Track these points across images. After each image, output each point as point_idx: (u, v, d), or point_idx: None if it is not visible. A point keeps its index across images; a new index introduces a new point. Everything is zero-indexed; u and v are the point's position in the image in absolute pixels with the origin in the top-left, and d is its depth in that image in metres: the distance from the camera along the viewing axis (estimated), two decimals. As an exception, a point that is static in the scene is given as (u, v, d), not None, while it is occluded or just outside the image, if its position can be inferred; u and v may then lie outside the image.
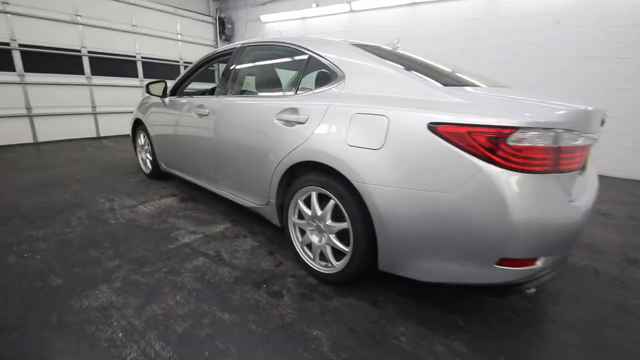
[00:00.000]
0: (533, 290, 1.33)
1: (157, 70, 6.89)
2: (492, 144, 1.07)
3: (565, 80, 4.47)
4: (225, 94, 2.30)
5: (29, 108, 5.19)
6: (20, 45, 4.94)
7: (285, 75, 2.32)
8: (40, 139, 5.42)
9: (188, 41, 7.45)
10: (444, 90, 1.30)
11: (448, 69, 1.82)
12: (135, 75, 6.57)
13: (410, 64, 1.62)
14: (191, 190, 3.15)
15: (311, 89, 1.74)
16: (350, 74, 1.57)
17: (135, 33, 6.38)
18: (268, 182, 1.86)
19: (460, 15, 5.17)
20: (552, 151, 1.08)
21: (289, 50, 1.98)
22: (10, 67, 4.92)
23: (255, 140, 1.92)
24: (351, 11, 6.17)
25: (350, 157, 1.39)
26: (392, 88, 1.41)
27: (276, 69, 2.47)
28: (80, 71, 5.71)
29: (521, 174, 1.06)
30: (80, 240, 2.10)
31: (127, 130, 3.74)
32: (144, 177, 3.58)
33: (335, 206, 1.52)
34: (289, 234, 1.83)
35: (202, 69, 2.76)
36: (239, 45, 2.32)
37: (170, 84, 2.96)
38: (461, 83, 1.55)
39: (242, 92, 2.37)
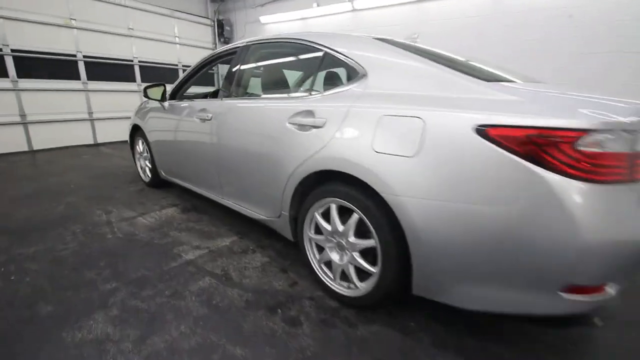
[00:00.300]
0: (601, 323, 1.15)
1: (155, 74, 6.72)
2: (557, 150, 0.90)
3: (576, 75, 4.32)
4: (229, 96, 2.12)
5: (23, 115, 5.02)
6: (13, 50, 4.76)
7: (297, 75, 2.16)
8: (36, 146, 5.24)
9: (186, 44, 7.28)
10: (489, 87, 1.12)
11: (478, 64, 1.65)
12: (133, 80, 6.40)
13: (439, 59, 1.44)
14: (193, 199, 2.97)
15: (329, 89, 1.56)
16: (374, 70, 1.40)
17: (131, 36, 6.21)
18: (280, 192, 1.68)
19: (464, 12, 5.02)
20: (627, 157, 0.91)
21: (301, 47, 1.80)
22: (3, 73, 4.74)
23: (264, 146, 1.75)
24: (354, 10, 6.02)
25: (378, 166, 1.21)
26: (425, 85, 1.24)
27: (286, 68, 2.30)
28: (76, 76, 5.54)
29: (592, 184, 0.89)
30: (74, 258, 1.92)
31: (125, 136, 3.57)
32: (143, 186, 3.40)
33: (360, 221, 1.34)
34: (305, 250, 1.65)
35: (203, 71, 2.59)
36: (244, 44, 2.15)
37: (170, 87, 2.78)
38: (498, 79, 1.38)
39: (248, 95, 2.19)
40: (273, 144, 1.69)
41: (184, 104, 2.56)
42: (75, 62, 5.49)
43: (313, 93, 1.63)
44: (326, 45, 1.63)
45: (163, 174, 3.02)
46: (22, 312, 1.45)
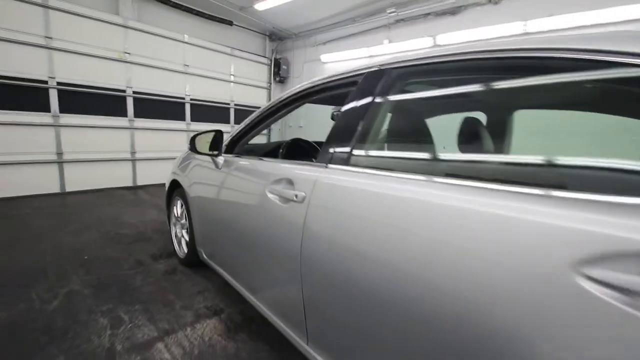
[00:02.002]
0: None
1: (205, 112, 6.19)
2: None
3: None
4: (346, 161, 1.12)
5: (59, 153, 4.48)
6: (59, 83, 4.32)
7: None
8: (69, 188, 4.64)
9: (241, 82, 6.79)
10: None
11: None
12: (182, 118, 5.87)
13: None
14: (244, 299, 1.94)
15: None
16: None
17: (186, 73, 5.76)
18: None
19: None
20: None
21: (562, 62, 0.75)
22: (45, 108, 4.28)
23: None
24: (435, 46, 5.16)
25: None
26: None
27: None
28: (122, 113, 5.04)
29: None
30: None
31: (166, 178, 2.72)
32: (176, 263, 2.46)
33: None
34: None
35: (280, 113, 1.67)
36: (375, 68, 1.18)
37: (227, 135, 1.90)
38: None
39: (403, 162, 1.12)
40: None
41: (248, 162, 1.63)
42: (124, 97, 5.02)
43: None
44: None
45: (204, 255, 2.05)
46: None
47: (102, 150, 4.89)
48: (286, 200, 1.22)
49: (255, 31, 7.01)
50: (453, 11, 4.76)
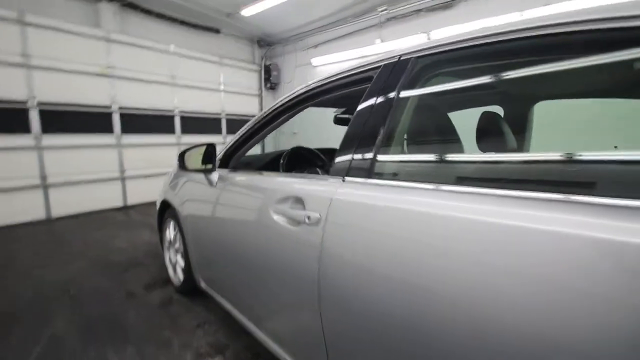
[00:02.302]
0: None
1: (196, 124, 5.96)
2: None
3: None
4: (368, 173, 0.91)
5: (44, 177, 4.23)
6: (40, 103, 4.09)
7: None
8: (55, 213, 4.38)
9: (231, 91, 6.59)
10: None
11: None
12: (172, 132, 5.64)
13: None
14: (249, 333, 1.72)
15: None
16: None
17: (174, 85, 5.55)
18: None
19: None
20: None
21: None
22: (25, 129, 4.04)
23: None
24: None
25: None
26: None
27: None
28: (108, 130, 4.80)
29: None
30: None
31: (157, 197, 2.50)
32: (172, 292, 2.23)
33: None
34: None
35: (280, 120, 1.47)
36: (393, 59, 0.98)
37: (220, 147, 1.70)
38: None
39: (440, 170, 0.91)
40: None
41: (246, 177, 1.43)
42: (110, 114, 4.79)
43: None
44: None
45: (203, 284, 1.83)
46: None
47: (89, 171, 4.64)
48: (296, 222, 1.02)
49: (243, 38, 6.84)
50: (446, 5, 4.62)
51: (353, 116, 1.02)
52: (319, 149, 2.10)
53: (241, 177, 1.45)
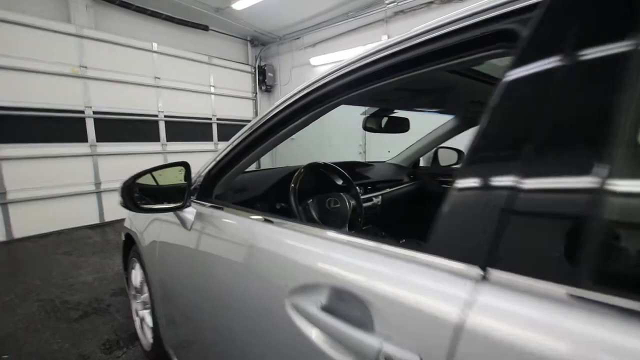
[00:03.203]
0: None
1: (183, 130, 5.40)
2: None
3: None
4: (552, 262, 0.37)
5: (2, 193, 3.61)
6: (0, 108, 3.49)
7: None
8: (17, 234, 3.76)
9: (222, 94, 6.02)
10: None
11: None
12: (156, 139, 5.06)
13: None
14: None
15: None
16: None
17: (158, 87, 4.98)
18: None
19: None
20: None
21: None
22: (-22, 138, 3.44)
23: None
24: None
25: None
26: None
27: None
28: (82, 138, 4.20)
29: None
30: None
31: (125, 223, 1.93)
32: (140, 356, 1.66)
33: None
34: None
35: (294, 126, 0.92)
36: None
37: (198, 167, 1.15)
38: None
39: None
40: None
41: (238, 221, 0.88)
42: (83, 119, 4.19)
43: None
44: None
45: (171, 353, 1.27)
46: None
47: (59, 184, 4.04)
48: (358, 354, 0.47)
49: (234, 36, 6.29)
50: (462, -4, 4.15)
51: (484, 120, 0.46)
52: (338, 163, 1.56)
53: (231, 221, 0.91)
